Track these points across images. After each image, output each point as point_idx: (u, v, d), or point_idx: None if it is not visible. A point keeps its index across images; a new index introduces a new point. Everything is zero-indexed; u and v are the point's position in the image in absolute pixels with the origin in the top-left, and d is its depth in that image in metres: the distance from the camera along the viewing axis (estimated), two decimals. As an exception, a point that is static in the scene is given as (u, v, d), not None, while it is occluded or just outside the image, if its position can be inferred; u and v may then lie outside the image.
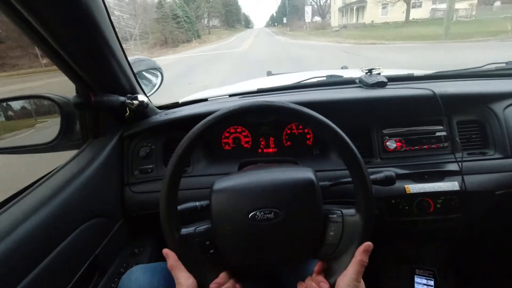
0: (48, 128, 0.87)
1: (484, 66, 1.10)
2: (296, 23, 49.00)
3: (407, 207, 0.84)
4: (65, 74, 0.72)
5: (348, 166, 0.56)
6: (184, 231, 0.57)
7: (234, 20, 78.50)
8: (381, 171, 0.75)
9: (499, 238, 1.02)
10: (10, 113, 0.88)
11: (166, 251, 0.56)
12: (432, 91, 0.85)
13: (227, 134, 0.97)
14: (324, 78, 1.16)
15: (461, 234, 0.99)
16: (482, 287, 1.04)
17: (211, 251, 0.57)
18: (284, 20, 53.44)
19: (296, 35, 31.17)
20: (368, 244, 0.52)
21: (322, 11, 52.60)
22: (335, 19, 39.77)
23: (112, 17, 0.69)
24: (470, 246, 1.06)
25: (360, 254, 0.51)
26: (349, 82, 1.07)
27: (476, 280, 1.07)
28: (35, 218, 0.60)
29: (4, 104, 0.87)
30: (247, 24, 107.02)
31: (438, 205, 0.84)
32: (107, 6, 0.66)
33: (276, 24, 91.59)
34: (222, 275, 0.56)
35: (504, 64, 1.09)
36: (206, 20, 66.49)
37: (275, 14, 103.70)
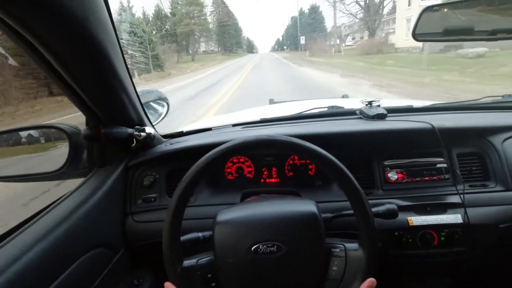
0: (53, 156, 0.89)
1: (481, 99, 1.13)
2: (317, 45, 33.21)
3: (410, 240, 0.83)
4: (76, 107, 0.75)
5: (350, 201, 0.57)
6: (186, 263, 0.57)
7: (233, 43, 64.39)
8: (383, 203, 0.75)
9: (505, 272, 0.99)
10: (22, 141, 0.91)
11: (167, 285, 0.56)
12: (431, 124, 0.87)
13: (230, 164, 0.99)
14: (326, 109, 1.20)
15: (466, 268, 0.96)
16: None
17: (213, 284, 0.56)
18: (302, 40, 35.03)
19: (336, 64, 16.36)
20: (371, 280, 0.52)
21: (372, 24, 26.90)
22: (402, 35, 20.18)
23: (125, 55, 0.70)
24: (476, 279, 1.03)
25: None
26: (350, 113, 1.10)
27: None
28: (37, 249, 0.60)
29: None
30: (251, 49, 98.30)
31: (442, 238, 0.83)
32: (120, 42, 0.71)
33: (285, 47, 76.57)
34: None
35: (500, 97, 1.12)
36: (203, 43, 53.74)
37: (281, 38, 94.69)
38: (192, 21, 44.90)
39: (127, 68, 0.77)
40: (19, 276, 0.55)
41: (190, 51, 44.59)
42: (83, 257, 0.70)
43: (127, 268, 0.91)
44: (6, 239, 0.61)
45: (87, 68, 0.66)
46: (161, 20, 40.04)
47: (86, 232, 0.73)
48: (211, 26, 54.91)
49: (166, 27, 40.98)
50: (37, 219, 0.69)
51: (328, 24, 48.58)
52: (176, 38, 40.38)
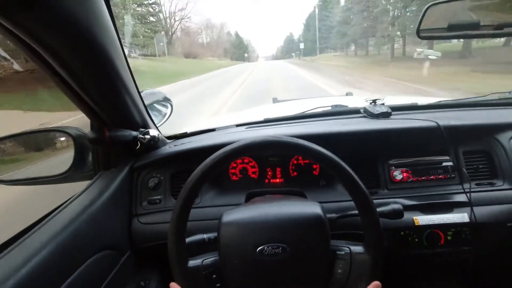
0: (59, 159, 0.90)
1: (487, 95, 1.11)
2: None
3: (416, 240, 0.82)
4: (81, 110, 0.76)
5: (356, 203, 0.56)
6: (191, 263, 0.57)
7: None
8: (389, 203, 0.75)
9: None
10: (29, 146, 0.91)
11: (173, 286, 0.56)
12: (437, 123, 0.86)
13: (234, 165, 0.98)
14: (329, 108, 1.19)
15: (474, 268, 0.95)
16: None
17: (218, 284, 0.57)
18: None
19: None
20: (376, 283, 0.51)
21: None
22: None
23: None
24: (484, 279, 1.02)
25: None
26: (354, 112, 1.09)
27: None
28: (45, 252, 0.61)
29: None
30: (241, 53, 68.94)
31: (449, 237, 0.82)
32: (123, 46, 0.71)
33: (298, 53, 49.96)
34: None
35: (507, 94, 1.10)
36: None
37: (296, 36, 73.95)
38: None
39: (131, 71, 0.77)
40: (28, 279, 0.55)
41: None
42: (90, 260, 0.71)
43: (134, 270, 0.92)
44: (14, 243, 0.62)
45: (91, 72, 0.66)
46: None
47: (92, 235, 0.73)
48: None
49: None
50: (44, 222, 0.69)
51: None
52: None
